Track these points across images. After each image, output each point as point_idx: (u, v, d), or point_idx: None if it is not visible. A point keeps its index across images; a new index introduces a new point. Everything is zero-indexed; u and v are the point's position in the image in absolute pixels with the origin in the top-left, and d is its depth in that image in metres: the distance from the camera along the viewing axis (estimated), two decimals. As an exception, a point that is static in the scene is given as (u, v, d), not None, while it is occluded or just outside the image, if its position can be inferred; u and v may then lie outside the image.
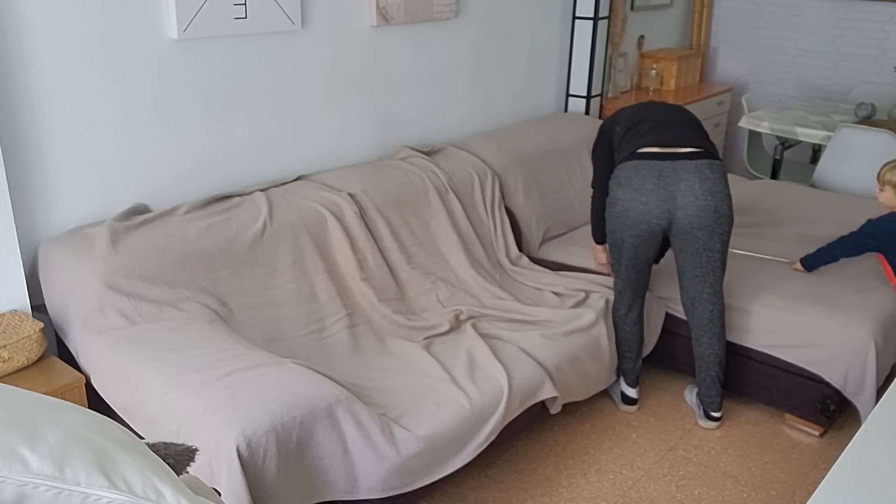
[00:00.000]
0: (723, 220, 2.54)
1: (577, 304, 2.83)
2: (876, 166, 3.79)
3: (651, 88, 4.72)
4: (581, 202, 3.66)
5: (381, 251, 2.84)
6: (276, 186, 2.82)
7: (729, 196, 2.55)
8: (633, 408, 2.91)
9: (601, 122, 4.02)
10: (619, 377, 2.89)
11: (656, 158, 2.53)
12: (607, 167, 2.75)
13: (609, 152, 2.76)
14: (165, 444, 1.09)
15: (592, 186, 2.87)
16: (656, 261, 2.86)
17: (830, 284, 2.89)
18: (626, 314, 2.78)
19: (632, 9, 4.60)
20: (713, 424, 2.84)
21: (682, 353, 2.99)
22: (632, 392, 2.89)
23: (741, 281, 2.90)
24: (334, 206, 2.76)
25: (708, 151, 2.54)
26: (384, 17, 3.07)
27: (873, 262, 3.10)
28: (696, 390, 2.90)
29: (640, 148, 2.57)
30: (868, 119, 4.14)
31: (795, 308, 2.75)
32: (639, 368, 2.87)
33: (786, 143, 4.29)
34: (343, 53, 3.01)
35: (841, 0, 4.85)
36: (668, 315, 2.97)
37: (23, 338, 2.16)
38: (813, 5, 4.95)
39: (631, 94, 4.61)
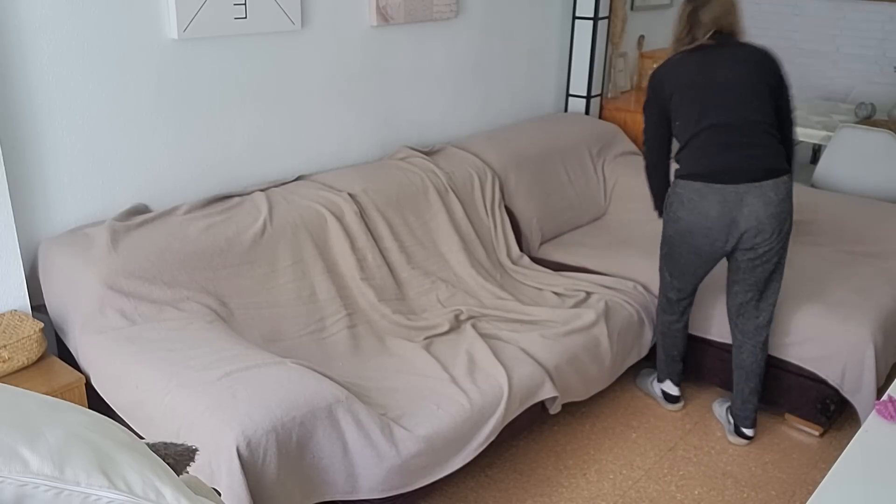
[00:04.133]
0: (783, 235, 2.49)
1: (578, 304, 2.83)
2: (876, 166, 3.80)
3: (651, 88, 4.72)
4: (581, 202, 3.66)
5: (381, 251, 2.84)
6: (276, 186, 2.82)
7: (791, 212, 2.49)
8: (679, 405, 2.94)
9: (607, 124, 4.03)
10: (663, 378, 2.92)
11: (721, 182, 2.43)
12: (662, 132, 2.63)
13: (662, 118, 2.61)
14: (165, 444, 1.09)
15: (644, 150, 2.73)
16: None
17: (831, 283, 2.89)
18: (677, 320, 2.78)
19: (632, 9, 4.60)
20: (743, 442, 2.75)
21: (683, 354, 2.98)
22: (676, 390, 2.93)
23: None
24: (334, 206, 2.76)
25: (774, 170, 2.43)
26: (384, 17, 3.07)
27: (875, 261, 3.10)
28: (726, 404, 2.85)
29: (703, 169, 2.46)
30: (868, 119, 4.14)
31: (795, 306, 2.75)
32: (681, 368, 2.92)
33: (786, 143, 4.28)
34: (343, 53, 3.01)
35: (841, 0, 4.85)
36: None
37: (23, 338, 2.16)
38: (813, 5, 4.95)
39: (631, 93, 4.61)
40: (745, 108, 2.45)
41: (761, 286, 2.57)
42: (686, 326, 2.82)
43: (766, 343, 2.65)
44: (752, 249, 2.49)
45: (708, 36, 2.50)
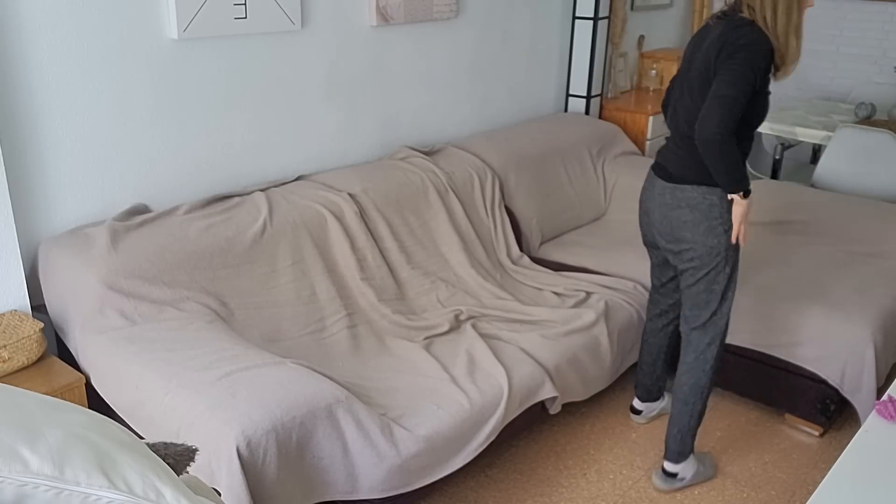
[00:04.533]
0: (686, 246, 2.32)
1: (578, 304, 2.83)
2: (876, 166, 3.80)
3: (651, 88, 4.72)
4: (581, 202, 3.66)
5: (381, 251, 2.84)
6: (276, 186, 2.82)
7: (703, 227, 2.28)
8: (638, 417, 2.85)
9: (607, 124, 4.03)
10: (635, 386, 2.86)
11: (651, 167, 2.45)
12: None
13: None
14: (165, 444, 1.09)
15: None
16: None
17: (831, 283, 2.89)
18: (647, 320, 2.74)
19: (632, 9, 4.60)
20: (660, 485, 2.52)
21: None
22: (637, 403, 2.85)
23: (741, 280, 2.90)
24: (334, 206, 2.76)
25: (675, 177, 2.31)
26: (384, 17, 3.07)
27: (875, 261, 3.10)
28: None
29: (657, 154, 2.47)
30: (868, 119, 4.14)
31: (795, 306, 2.75)
32: (653, 385, 2.78)
33: (786, 143, 4.29)
34: (343, 53, 3.01)
35: (841, 0, 4.85)
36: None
37: (23, 338, 2.16)
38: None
39: (631, 93, 4.61)
40: (681, 118, 2.32)
41: (687, 300, 2.42)
42: (655, 336, 2.70)
43: (690, 370, 2.43)
44: (665, 249, 2.42)
45: (723, 10, 2.28)
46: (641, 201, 2.50)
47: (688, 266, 2.37)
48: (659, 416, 2.89)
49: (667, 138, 2.44)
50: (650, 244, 2.55)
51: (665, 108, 2.49)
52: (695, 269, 2.35)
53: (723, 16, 2.26)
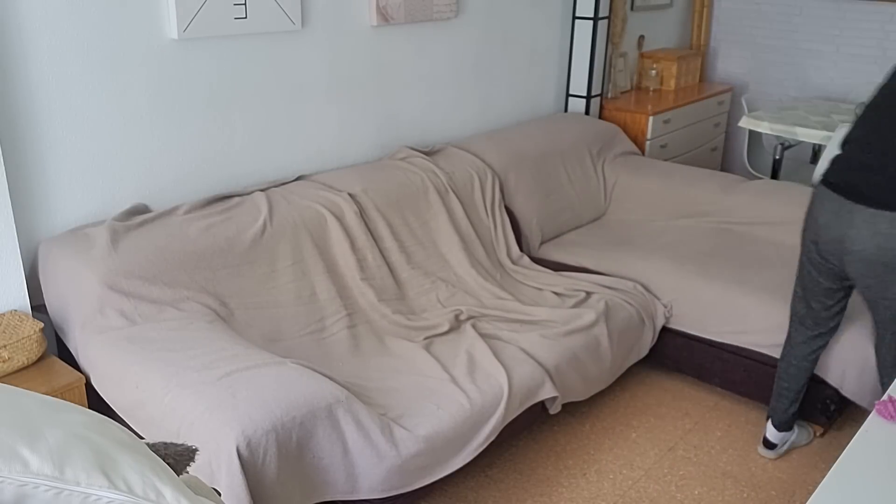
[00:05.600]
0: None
1: (578, 304, 2.83)
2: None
3: (651, 88, 4.72)
4: (581, 202, 3.66)
5: (381, 251, 2.84)
6: (276, 186, 2.82)
7: None
8: (771, 453, 2.69)
9: (607, 124, 4.02)
10: (769, 414, 2.69)
11: (840, 192, 2.24)
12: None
13: None
14: (165, 444, 1.09)
15: None
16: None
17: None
18: (789, 348, 2.59)
19: (632, 9, 4.60)
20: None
21: (683, 354, 2.99)
22: (774, 435, 2.67)
23: (740, 280, 2.90)
24: (334, 206, 2.76)
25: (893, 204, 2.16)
26: (384, 17, 3.07)
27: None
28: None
29: (832, 177, 2.29)
30: (868, 119, 4.13)
31: (795, 308, 2.75)
32: (793, 413, 2.64)
33: (786, 143, 4.29)
34: (343, 53, 3.01)
35: (841, 0, 4.85)
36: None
37: (23, 338, 2.16)
38: (813, 5, 4.95)
39: (631, 93, 4.61)
40: (891, 126, 2.17)
41: (890, 326, 2.31)
42: (805, 361, 2.57)
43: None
44: (861, 283, 2.27)
45: None
46: (826, 226, 2.29)
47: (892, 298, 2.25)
48: (789, 451, 2.73)
49: (865, 160, 2.23)
50: (828, 273, 2.37)
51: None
52: None
53: None
